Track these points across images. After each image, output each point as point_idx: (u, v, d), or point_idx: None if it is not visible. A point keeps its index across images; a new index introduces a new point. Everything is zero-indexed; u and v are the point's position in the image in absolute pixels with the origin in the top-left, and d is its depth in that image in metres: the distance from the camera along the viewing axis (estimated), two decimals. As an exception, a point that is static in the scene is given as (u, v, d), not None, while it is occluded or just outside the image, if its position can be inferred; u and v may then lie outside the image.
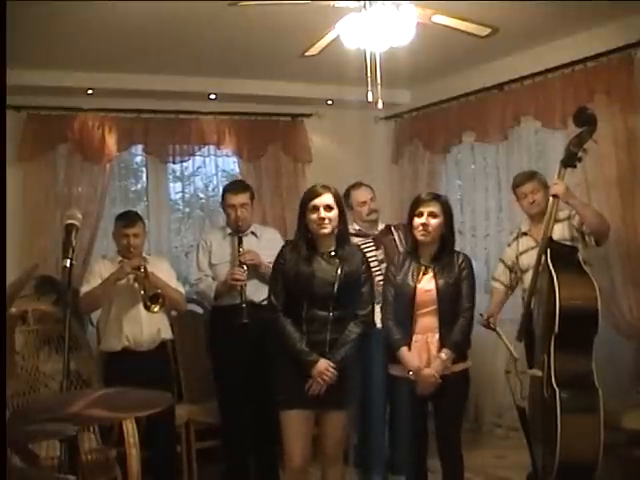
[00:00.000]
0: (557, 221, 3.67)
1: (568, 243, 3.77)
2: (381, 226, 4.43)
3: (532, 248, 3.91)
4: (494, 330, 3.92)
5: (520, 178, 4.05)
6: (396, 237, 4.23)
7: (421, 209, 3.42)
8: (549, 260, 3.49)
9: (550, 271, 3.44)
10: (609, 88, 4.16)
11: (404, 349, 3.39)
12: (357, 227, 4.33)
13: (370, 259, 4.16)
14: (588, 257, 3.79)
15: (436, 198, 3.46)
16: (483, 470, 4.35)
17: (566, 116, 4.32)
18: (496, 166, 5.20)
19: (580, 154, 3.56)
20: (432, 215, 3.39)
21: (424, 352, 3.37)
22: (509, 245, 4.14)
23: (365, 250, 4.17)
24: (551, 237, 3.59)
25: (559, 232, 3.76)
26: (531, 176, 4.01)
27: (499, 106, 4.92)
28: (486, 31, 3.38)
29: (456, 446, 3.44)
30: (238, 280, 4.06)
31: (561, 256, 3.52)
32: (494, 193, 5.25)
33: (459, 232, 5.30)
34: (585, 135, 3.54)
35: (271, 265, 4.07)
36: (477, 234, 5.43)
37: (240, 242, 4.15)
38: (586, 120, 3.56)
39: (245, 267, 4.08)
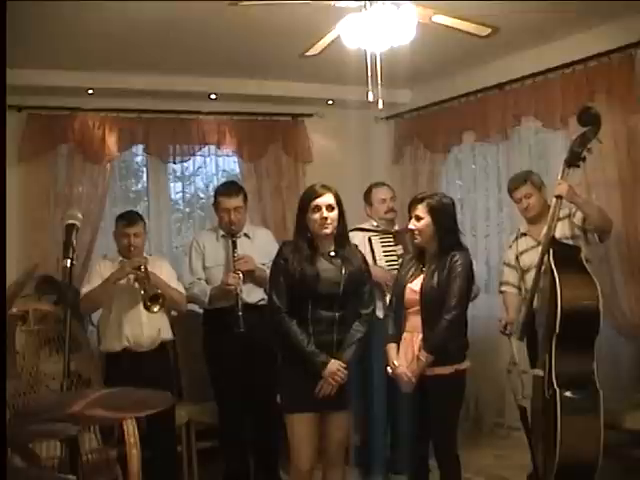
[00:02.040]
0: (558, 220, 3.67)
1: (570, 242, 3.77)
2: (397, 227, 4.47)
3: (532, 248, 3.91)
4: (508, 337, 3.85)
5: (513, 183, 4.04)
6: None
7: (410, 213, 3.44)
8: (551, 260, 3.47)
9: (552, 271, 3.43)
10: (609, 88, 4.16)
11: (390, 345, 3.43)
12: (375, 223, 4.40)
13: (389, 253, 4.28)
14: (589, 254, 3.79)
15: (421, 200, 3.41)
16: (484, 470, 4.34)
17: (567, 116, 4.32)
18: (497, 166, 5.20)
19: (584, 154, 3.55)
20: (417, 218, 3.39)
21: (410, 350, 3.38)
22: (510, 247, 4.13)
23: (384, 244, 4.27)
24: (554, 237, 3.59)
25: (560, 230, 3.75)
26: (523, 180, 3.97)
27: (499, 106, 4.92)
28: (486, 31, 3.38)
29: (450, 447, 3.40)
30: (233, 287, 4.02)
31: (563, 256, 3.51)
32: (494, 193, 5.25)
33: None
34: (589, 134, 3.53)
35: (265, 267, 4.10)
36: (477, 234, 5.42)
37: (235, 246, 4.10)
38: (590, 119, 3.55)
39: (240, 273, 4.04)
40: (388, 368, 3.41)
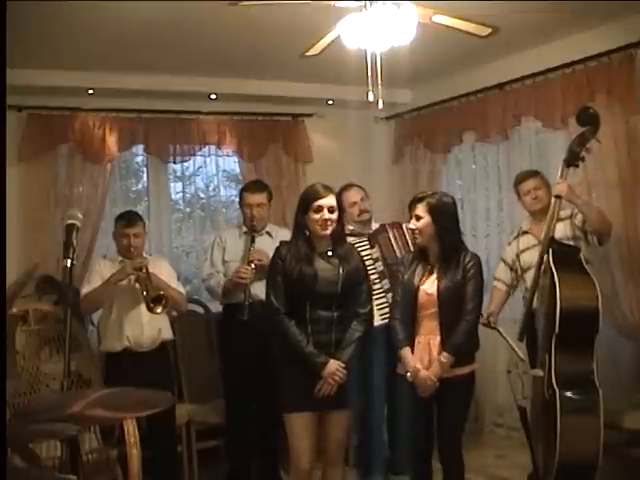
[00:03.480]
0: (559, 220, 3.67)
1: (570, 242, 3.78)
2: (375, 226, 4.41)
3: (533, 246, 3.91)
4: (495, 329, 3.91)
5: (523, 175, 4.08)
6: (391, 235, 4.21)
7: (410, 213, 3.43)
8: (551, 260, 3.47)
9: (552, 271, 3.43)
10: (610, 88, 4.16)
11: (405, 350, 3.37)
12: (350, 227, 4.35)
13: (365, 257, 4.19)
14: (589, 255, 3.79)
15: (421, 200, 3.39)
16: (484, 470, 4.35)
17: (567, 116, 4.32)
18: (497, 166, 5.20)
19: (583, 153, 3.56)
20: (417, 218, 3.37)
21: (426, 354, 3.34)
22: (509, 244, 4.15)
23: (359, 249, 4.18)
24: (553, 237, 3.59)
25: (561, 231, 3.76)
26: (534, 173, 4.06)
27: (500, 106, 4.92)
28: (486, 31, 3.37)
29: (457, 449, 3.40)
30: (242, 278, 4.07)
31: (563, 256, 3.51)
32: (494, 193, 5.25)
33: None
34: (588, 134, 3.54)
35: None
36: (477, 234, 5.42)
37: (252, 241, 4.18)
38: (589, 119, 3.55)
39: (253, 266, 4.09)
40: (408, 374, 3.32)
